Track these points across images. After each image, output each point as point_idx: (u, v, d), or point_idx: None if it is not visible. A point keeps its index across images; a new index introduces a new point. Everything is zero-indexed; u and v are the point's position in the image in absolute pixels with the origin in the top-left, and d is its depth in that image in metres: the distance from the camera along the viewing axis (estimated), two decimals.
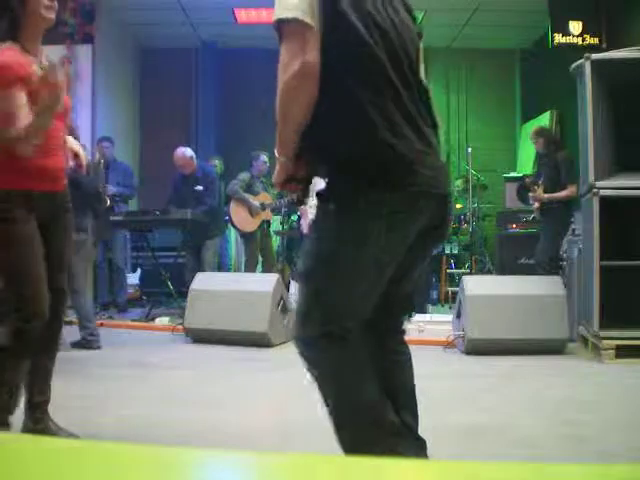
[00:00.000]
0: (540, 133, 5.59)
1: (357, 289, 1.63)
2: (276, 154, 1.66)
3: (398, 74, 1.63)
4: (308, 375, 1.63)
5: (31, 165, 2.17)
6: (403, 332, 1.88)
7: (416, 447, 1.72)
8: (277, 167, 1.68)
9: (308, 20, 1.49)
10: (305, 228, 6.10)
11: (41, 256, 2.21)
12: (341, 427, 1.61)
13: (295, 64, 1.49)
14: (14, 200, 2.15)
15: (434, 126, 1.73)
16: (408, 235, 1.65)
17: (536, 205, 5.54)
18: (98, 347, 4.45)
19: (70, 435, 2.31)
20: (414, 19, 1.79)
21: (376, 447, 1.57)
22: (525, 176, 6.15)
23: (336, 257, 1.62)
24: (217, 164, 7.36)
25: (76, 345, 4.40)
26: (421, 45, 1.79)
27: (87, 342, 4.43)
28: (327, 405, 1.64)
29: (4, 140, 2.08)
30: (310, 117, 1.58)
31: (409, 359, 1.85)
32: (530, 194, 5.46)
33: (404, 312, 1.89)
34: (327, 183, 1.67)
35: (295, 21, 1.48)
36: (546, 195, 5.29)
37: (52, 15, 2.19)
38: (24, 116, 2.06)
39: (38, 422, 2.30)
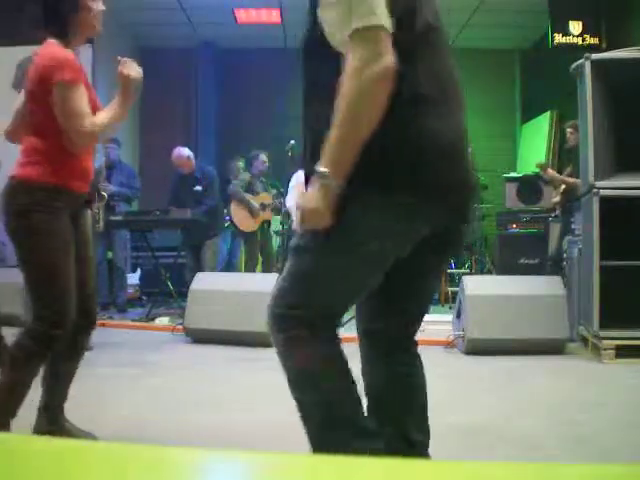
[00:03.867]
0: (577, 128, 5.62)
1: (343, 276, 1.52)
2: (323, 170, 1.40)
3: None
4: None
5: (78, 164, 2.20)
6: (413, 342, 1.74)
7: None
8: (317, 190, 1.41)
9: (382, 22, 1.38)
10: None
11: (73, 259, 2.19)
12: (307, 420, 1.57)
13: (381, 63, 1.36)
14: (58, 193, 2.14)
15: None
16: (417, 228, 1.51)
17: (556, 199, 5.58)
18: (90, 348, 4.36)
19: (88, 435, 2.31)
20: None
21: (342, 448, 1.48)
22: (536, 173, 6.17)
23: (326, 236, 1.47)
24: (240, 165, 7.29)
25: None
26: None
27: None
28: (296, 399, 1.60)
29: (79, 134, 2.11)
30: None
31: (417, 372, 1.72)
32: (542, 173, 5.52)
33: (414, 322, 1.73)
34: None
35: (371, 27, 1.38)
36: (560, 177, 5.39)
37: (99, 26, 2.23)
38: (88, 109, 2.13)
39: (53, 423, 2.29)
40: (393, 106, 1.41)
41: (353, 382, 1.54)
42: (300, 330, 1.51)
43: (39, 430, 2.28)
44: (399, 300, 1.66)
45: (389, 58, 1.37)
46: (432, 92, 1.49)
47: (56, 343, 2.15)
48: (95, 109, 2.20)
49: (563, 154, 5.99)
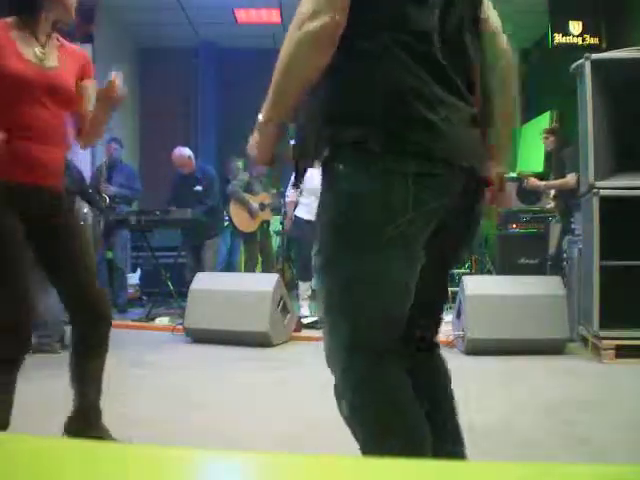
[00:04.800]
0: (552, 132, 5.66)
1: (388, 281, 1.35)
2: (260, 118, 1.41)
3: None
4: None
5: (14, 152, 2.01)
6: (435, 342, 1.58)
7: None
8: (258, 136, 1.43)
9: None
10: (287, 225, 6.13)
11: (22, 256, 2.04)
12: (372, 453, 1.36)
13: (318, 21, 1.28)
14: None
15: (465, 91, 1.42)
16: (437, 210, 1.36)
17: (550, 205, 5.61)
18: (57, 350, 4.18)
19: (113, 439, 2.26)
20: None
21: None
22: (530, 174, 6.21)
23: (353, 237, 1.34)
24: (240, 165, 7.30)
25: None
26: None
27: (42, 345, 4.18)
28: (357, 439, 1.38)
29: None
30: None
31: (443, 375, 1.57)
32: (525, 183, 5.58)
33: (433, 320, 1.58)
34: (332, 143, 1.38)
35: None
36: (543, 183, 5.43)
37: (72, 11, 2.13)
38: None
39: (87, 428, 2.24)
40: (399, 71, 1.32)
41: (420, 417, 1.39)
42: (366, 365, 1.35)
43: (69, 430, 2.24)
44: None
45: (326, 17, 1.28)
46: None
47: (9, 348, 2.02)
48: (24, 85, 2.03)
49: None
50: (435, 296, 1.56)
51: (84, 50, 2.38)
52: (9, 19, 2.08)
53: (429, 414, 1.41)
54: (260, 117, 1.42)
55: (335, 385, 1.41)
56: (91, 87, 2.22)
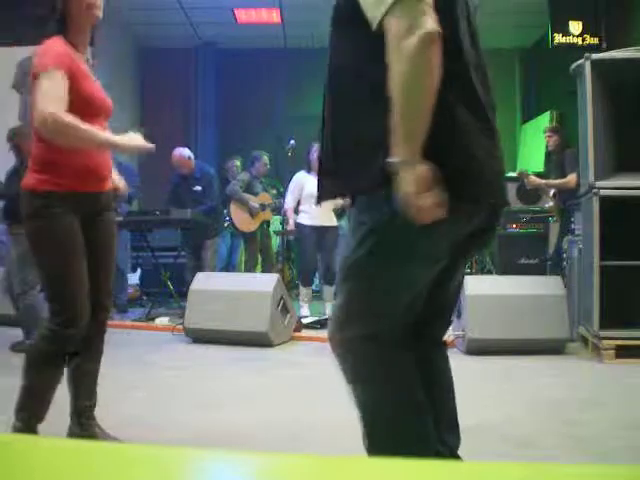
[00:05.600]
0: (556, 131, 5.66)
1: (406, 286, 1.49)
2: (398, 159, 1.29)
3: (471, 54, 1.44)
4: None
5: (75, 165, 2.14)
6: (442, 343, 1.75)
7: None
8: (405, 177, 1.29)
9: None
10: (288, 229, 6.13)
11: (83, 256, 2.18)
12: (378, 440, 1.50)
13: (415, 35, 1.25)
14: (55, 199, 2.12)
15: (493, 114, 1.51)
16: (458, 231, 1.47)
17: (549, 205, 5.62)
18: None
19: (114, 439, 2.29)
20: None
21: None
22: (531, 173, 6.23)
23: (381, 248, 1.43)
24: (237, 164, 7.30)
25: (17, 345, 4.23)
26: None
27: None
28: (363, 418, 1.50)
29: (38, 117, 1.97)
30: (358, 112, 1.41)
31: (446, 372, 1.72)
32: (525, 182, 5.59)
33: (444, 321, 1.74)
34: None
35: None
36: (544, 181, 5.44)
37: (97, 12, 2.20)
38: (57, 101, 1.99)
39: (85, 428, 2.28)
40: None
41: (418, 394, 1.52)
42: (376, 349, 1.48)
43: (72, 436, 2.27)
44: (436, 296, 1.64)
45: (430, 22, 1.26)
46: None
47: (69, 343, 2.16)
48: (95, 104, 2.18)
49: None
50: (447, 299, 1.70)
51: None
52: (57, 38, 2.15)
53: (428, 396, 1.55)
54: (396, 160, 1.30)
55: (332, 336, 1.52)
56: None
